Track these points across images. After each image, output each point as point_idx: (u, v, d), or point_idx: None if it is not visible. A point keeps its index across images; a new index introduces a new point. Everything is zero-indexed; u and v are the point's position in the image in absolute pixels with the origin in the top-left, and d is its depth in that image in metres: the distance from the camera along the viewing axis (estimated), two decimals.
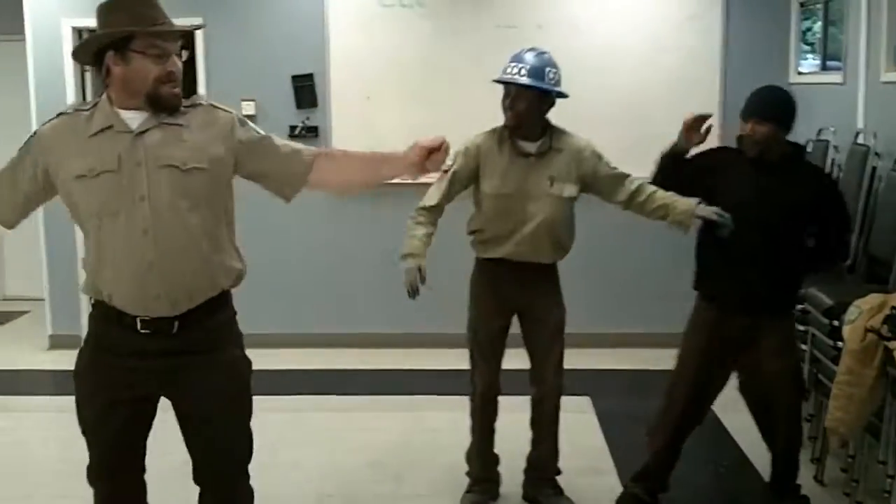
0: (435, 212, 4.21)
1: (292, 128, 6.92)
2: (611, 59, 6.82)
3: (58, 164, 2.88)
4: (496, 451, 4.50)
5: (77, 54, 3.04)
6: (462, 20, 6.81)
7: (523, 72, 4.03)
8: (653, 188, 4.19)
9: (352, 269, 7.11)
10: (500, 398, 4.39)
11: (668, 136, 6.85)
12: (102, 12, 2.89)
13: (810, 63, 6.75)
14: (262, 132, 3.12)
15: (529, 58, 4.07)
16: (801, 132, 4.57)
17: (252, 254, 7.31)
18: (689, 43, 6.79)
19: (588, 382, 6.22)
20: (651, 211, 4.18)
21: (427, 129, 6.81)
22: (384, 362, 6.68)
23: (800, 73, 6.76)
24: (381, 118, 6.87)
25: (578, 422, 5.54)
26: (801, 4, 6.75)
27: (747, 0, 6.82)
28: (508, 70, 4.08)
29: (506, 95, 4.12)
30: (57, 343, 7.04)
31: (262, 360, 6.58)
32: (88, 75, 7.08)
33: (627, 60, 6.83)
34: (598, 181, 4.22)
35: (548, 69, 4.06)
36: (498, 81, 4.14)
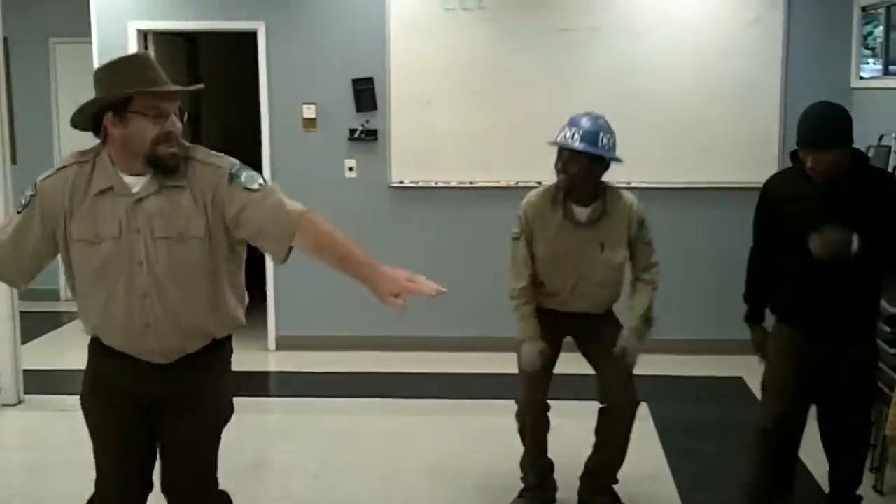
0: (528, 289, 4.27)
1: (352, 131, 6.98)
2: (669, 63, 6.79)
3: (60, 222, 2.89)
4: (551, 457, 4.49)
5: (75, 119, 2.90)
6: (522, 23, 6.82)
7: (577, 136, 4.06)
8: (644, 292, 4.30)
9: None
10: (558, 402, 4.39)
11: (729, 143, 6.84)
12: (102, 75, 2.88)
13: (871, 68, 6.68)
14: (254, 185, 2.98)
15: (584, 123, 4.11)
16: (862, 137, 4.50)
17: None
18: (751, 47, 6.73)
19: (646, 388, 6.15)
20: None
21: (486, 132, 6.93)
22: (447, 366, 6.70)
23: (861, 78, 6.68)
24: (440, 122, 6.92)
25: (636, 428, 5.50)
26: (863, 9, 6.67)
27: (809, 4, 6.75)
28: (564, 134, 4.12)
29: (559, 158, 4.15)
30: None
31: (321, 362, 6.79)
32: None
33: (686, 65, 6.78)
34: (632, 246, 4.28)
35: (602, 134, 4.10)
36: (553, 144, 4.17)
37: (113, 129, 2.82)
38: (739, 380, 6.31)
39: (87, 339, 3.08)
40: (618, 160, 4.17)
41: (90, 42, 7.09)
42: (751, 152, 6.80)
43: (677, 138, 6.81)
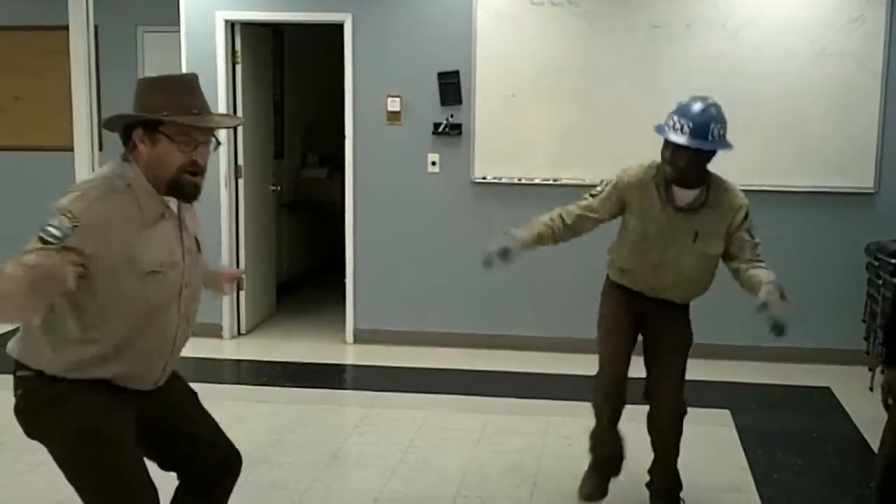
0: (572, 218, 4.18)
1: (436, 125, 6.93)
2: (763, 62, 6.59)
3: (118, 257, 2.66)
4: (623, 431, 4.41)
5: (109, 124, 2.85)
6: (612, 18, 6.69)
7: (686, 129, 3.85)
8: (763, 269, 4.05)
9: (503, 272, 7.04)
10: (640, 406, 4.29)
11: (825, 146, 6.65)
12: (142, 88, 2.81)
13: None
14: None
15: (695, 113, 3.88)
16: None
17: (404, 253, 7.38)
18: (850, 48, 6.49)
19: (728, 395, 6.08)
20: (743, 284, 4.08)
21: (572, 128, 6.82)
22: (525, 365, 6.62)
23: None
24: (525, 117, 6.83)
25: (718, 436, 5.40)
26: None
27: None
28: (673, 125, 3.91)
29: (665, 148, 3.97)
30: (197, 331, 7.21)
31: (398, 357, 6.76)
32: (239, 67, 7.23)
33: (781, 64, 6.58)
34: (731, 238, 4.06)
35: (712, 125, 3.87)
36: (661, 135, 3.97)
37: (141, 146, 2.76)
38: (827, 390, 6.13)
39: None
40: (729, 148, 3.98)
41: (178, 31, 7.14)
42: (847, 157, 6.59)
43: (770, 140, 6.61)
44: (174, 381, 3.07)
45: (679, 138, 3.86)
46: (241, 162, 7.32)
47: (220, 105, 7.09)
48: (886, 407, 3.64)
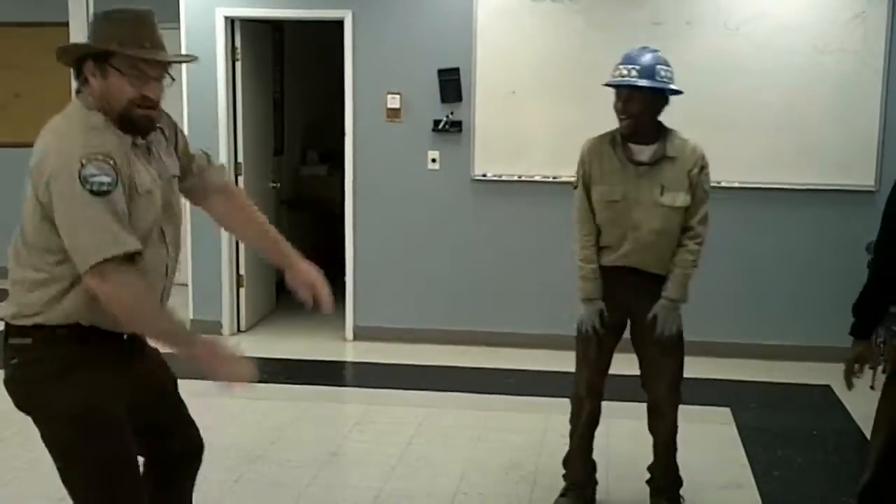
0: (592, 239, 4.12)
1: (436, 122, 6.92)
2: (764, 59, 6.57)
3: (130, 178, 2.70)
4: (596, 457, 4.42)
5: (60, 55, 2.80)
6: (612, 15, 6.66)
7: (634, 73, 3.88)
8: (689, 248, 4.02)
9: (508, 269, 7.05)
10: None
11: (825, 144, 6.65)
12: (96, 20, 2.79)
13: None
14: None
15: (640, 57, 3.93)
16: None
17: (404, 250, 7.37)
18: (851, 45, 6.48)
19: (728, 393, 6.07)
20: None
21: (573, 126, 6.81)
22: (525, 363, 6.61)
23: None
24: (525, 114, 6.82)
25: (718, 433, 5.40)
26: None
27: None
28: (619, 72, 3.95)
29: (618, 98, 3.99)
30: (197, 328, 7.20)
31: (398, 354, 6.76)
32: (239, 64, 7.21)
33: (783, 62, 6.57)
34: (694, 191, 4.03)
35: (659, 67, 3.90)
36: (609, 85, 4.01)
37: (92, 79, 2.72)
38: (827, 388, 6.11)
39: None
40: (678, 92, 3.98)
41: (178, 28, 7.12)
42: (848, 154, 6.58)
43: (770, 137, 6.61)
44: (162, 364, 3.06)
45: (631, 81, 3.88)
46: (240, 159, 7.31)
47: (220, 101, 7.09)
48: (849, 380, 3.62)
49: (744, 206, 6.69)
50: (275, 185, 8.10)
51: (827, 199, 6.62)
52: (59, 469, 2.77)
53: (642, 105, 3.92)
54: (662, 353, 4.12)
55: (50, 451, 2.77)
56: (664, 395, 4.17)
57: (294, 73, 9.11)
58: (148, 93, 2.71)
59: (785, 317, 6.82)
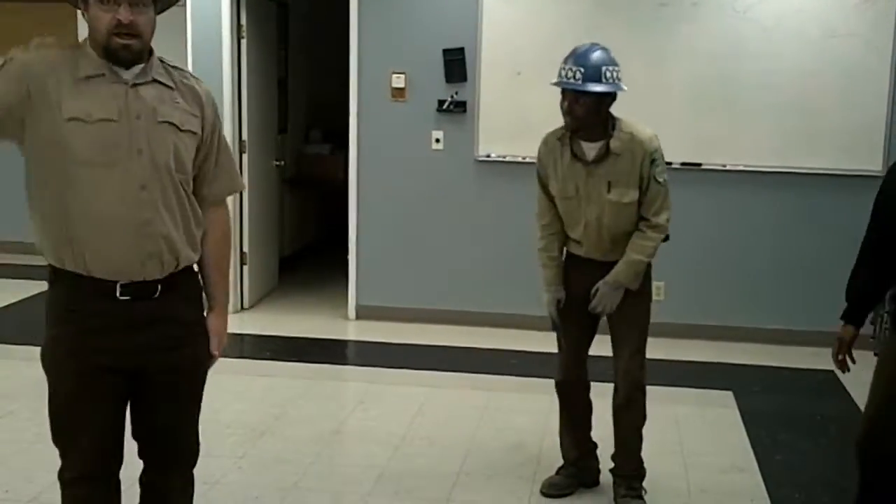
0: (550, 228, 4.17)
1: (441, 102, 6.89)
2: (771, 42, 6.54)
3: (46, 97, 2.66)
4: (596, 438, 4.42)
5: None
6: None
7: (578, 75, 3.86)
8: (645, 235, 4.00)
9: (511, 249, 7.03)
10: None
11: (832, 128, 6.62)
12: None
13: None
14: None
15: (585, 59, 3.90)
16: None
17: (407, 229, 7.35)
18: (860, 28, 6.44)
19: (731, 377, 6.07)
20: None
21: None
22: (528, 344, 6.57)
23: None
24: (530, 94, 6.77)
25: (720, 417, 5.40)
26: None
27: None
28: (564, 73, 3.91)
29: (563, 98, 3.95)
30: None
31: (401, 333, 6.76)
32: (244, 42, 7.19)
33: (791, 45, 6.53)
34: (646, 186, 4.00)
35: (604, 69, 3.87)
36: (556, 85, 3.97)
37: (83, 18, 2.75)
38: (830, 373, 6.09)
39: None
40: (622, 90, 3.95)
41: (184, 6, 7.09)
42: (855, 139, 6.55)
43: (777, 122, 6.58)
44: (190, 350, 2.94)
45: (574, 85, 3.86)
46: (244, 137, 7.29)
47: (226, 79, 7.06)
48: (837, 361, 3.64)
49: (750, 190, 6.67)
50: (278, 163, 8.09)
51: (834, 183, 6.59)
52: None
53: (587, 108, 3.89)
54: (628, 330, 4.12)
55: None
56: (627, 373, 4.10)
57: (298, 52, 9.08)
58: (119, 17, 2.66)
59: (789, 301, 6.81)
